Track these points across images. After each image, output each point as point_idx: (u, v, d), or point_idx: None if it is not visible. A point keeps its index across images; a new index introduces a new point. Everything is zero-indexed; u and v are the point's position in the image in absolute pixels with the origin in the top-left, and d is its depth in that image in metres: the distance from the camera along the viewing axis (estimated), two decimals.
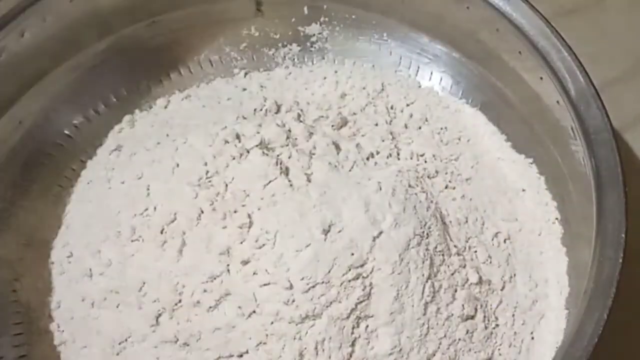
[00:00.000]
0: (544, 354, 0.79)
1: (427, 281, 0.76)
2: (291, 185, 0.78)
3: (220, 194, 0.78)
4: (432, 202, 0.82)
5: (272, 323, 0.73)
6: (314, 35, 1.00)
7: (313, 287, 0.72)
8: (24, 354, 0.81)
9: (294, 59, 1.00)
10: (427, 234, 0.78)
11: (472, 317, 0.78)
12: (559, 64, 0.79)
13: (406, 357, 0.74)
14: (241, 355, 0.74)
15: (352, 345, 0.73)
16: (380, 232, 0.75)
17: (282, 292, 0.73)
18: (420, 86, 0.98)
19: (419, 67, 0.99)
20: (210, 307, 0.74)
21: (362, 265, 0.74)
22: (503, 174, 0.90)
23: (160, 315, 0.76)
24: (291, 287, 0.72)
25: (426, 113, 0.94)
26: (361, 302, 0.73)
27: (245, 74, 0.99)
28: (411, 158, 0.88)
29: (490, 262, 0.82)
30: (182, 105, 0.95)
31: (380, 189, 0.78)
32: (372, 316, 0.74)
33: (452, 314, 0.77)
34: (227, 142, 0.81)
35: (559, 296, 0.82)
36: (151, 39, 0.96)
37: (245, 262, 0.74)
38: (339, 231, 0.75)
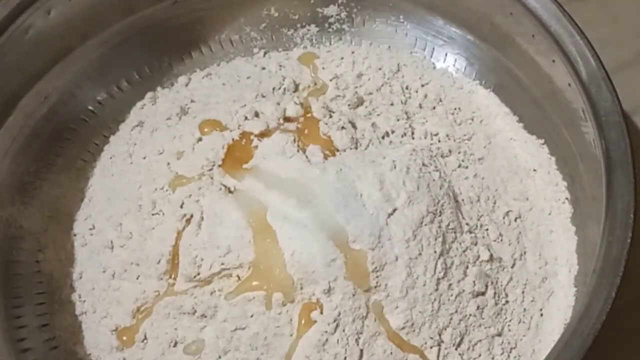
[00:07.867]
0: (552, 330, 0.79)
1: (439, 258, 0.76)
2: (309, 162, 0.79)
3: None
4: (445, 180, 0.83)
5: (288, 296, 0.74)
6: (332, 16, 1.00)
7: (328, 262, 0.73)
8: (46, 322, 0.82)
9: (312, 40, 1.00)
10: (440, 211, 0.79)
11: (483, 294, 0.79)
12: (571, 48, 0.78)
13: (418, 332, 0.75)
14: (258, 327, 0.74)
15: (365, 319, 0.74)
16: (394, 209, 0.76)
17: (299, 267, 0.74)
18: (435, 67, 0.98)
19: (434, 49, 0.99)
20: (228, 280, 0.75)
21: (376, 242, 0.75)
22: (515, 154, 0.90)
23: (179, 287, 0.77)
24: (308, 261, 0.74)
25: (440, 94, 0.94)
26: (375, 277, 0.74)
27: (265, 53, 0.99)
28: (425, 137, 0.88)
29: (501, 240, 0.83)
30: (202, 83, 0.95)
31: (395, 167, 0.79)
32: (385, 291, 0.75)
33: (464, 290, 0.77)
34: (246, 119, 0.83)
35: (568, 274, 0.82)
36: (173, 19, 0.95)
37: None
38: (354, 208, 0.76)
